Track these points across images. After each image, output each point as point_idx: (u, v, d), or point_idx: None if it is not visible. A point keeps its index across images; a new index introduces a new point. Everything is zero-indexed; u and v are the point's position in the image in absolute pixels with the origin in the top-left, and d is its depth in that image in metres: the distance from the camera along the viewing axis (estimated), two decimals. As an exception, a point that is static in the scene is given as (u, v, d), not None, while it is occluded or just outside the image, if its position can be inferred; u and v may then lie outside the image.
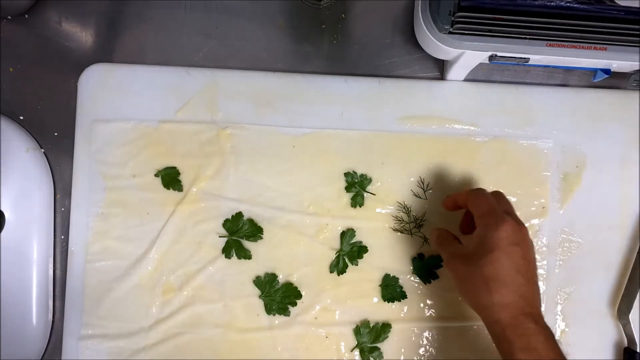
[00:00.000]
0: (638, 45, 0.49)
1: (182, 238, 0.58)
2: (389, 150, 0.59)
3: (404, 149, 0.59)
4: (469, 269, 0.46)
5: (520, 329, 0.44)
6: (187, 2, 0.60)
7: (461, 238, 0.51)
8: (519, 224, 0.47)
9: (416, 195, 0.59)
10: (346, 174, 0.58)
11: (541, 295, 0.58)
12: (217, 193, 0.58)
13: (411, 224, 0.58)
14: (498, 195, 0.51)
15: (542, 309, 0.59)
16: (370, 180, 0.59)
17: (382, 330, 0.57)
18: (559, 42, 0.49)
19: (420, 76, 0.61)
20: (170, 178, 0.58)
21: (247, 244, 0.58)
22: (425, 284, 0.58)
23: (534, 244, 0.59)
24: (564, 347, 0.59)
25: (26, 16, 0.59)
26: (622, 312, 0.59)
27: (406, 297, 0.58)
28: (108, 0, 0.59)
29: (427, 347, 0.58)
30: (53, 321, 0.58)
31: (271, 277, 0.58)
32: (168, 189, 0.58)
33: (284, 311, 0.57)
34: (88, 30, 0.59)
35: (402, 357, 0.58)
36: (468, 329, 0.58)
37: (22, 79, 0.59)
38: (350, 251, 0.58)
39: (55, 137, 0.59)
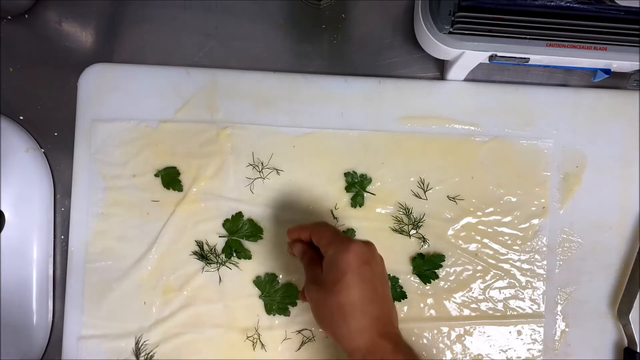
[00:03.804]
0: (638, 45, 0.49)
1: (182, 238, 0.58)
2: (389, 150, 0.59)
3: (404, 149, 0.59)
4: (325, 295, 0.44)
5: (378, 353, 0.42)
6: (187, 2, 0.60)
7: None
8: (365, 243, 0.46)
9: (416, 196, 0.59)
10: (346, 174, 0.58)
11: (541, 295, 0.59)
12: (217, 193, 0.58)
13: (410, 226, 0.58)
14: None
15: (542, 309, 0.59)
16: (370, 180, 0.59)
17: (382, 330, 0.57)
18: (559, 42, 0.49)
19: (420, 76, 0.61)
20: (170, 178, 0.58)
21: (247, 244, 0.58)
22: (425, 284, 0.58)
23: (534, 244, 0.59)
24: (564, 347, 0.59)
25: (26, 16, 0.59)
26: (622, 312, 0.59)
27: (406, 297, 0.58)
28: (108, 0, 0.59)
29: (427, 347, 0.58)
30: (53, 321, 0.58)
31: (271, 277, 0.58)
32: (168, 189, 0.58)
33: (284, 311, 0.57)
34: (88, 30, 0.59)
35: (402, 357, 0.58)
36: (468, 329, 0.59)
37: (22, 79, 0.59)
38: (350, 251, 0.58)
39: (55, 137, 0.59)
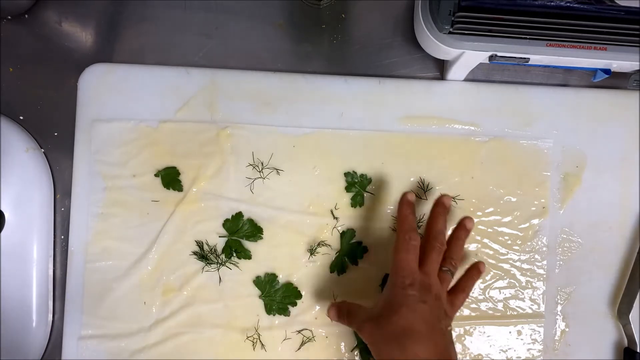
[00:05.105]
0: (638, 45, 0.49)
1: (182, 238, 0.58)
2: (389, 150, 0.59)
3: (404, 149, 0.59)
4: (381, 327, 0.46)
5: None
6: (187, 2, 0.60)
7: (363, 301, 0.53)
8: (428, 281, 0.48)
9: (416, 195, 0.59)
10: (346, 174, 0.58)
11: (541, 295, 0.59)
12: (217, 193, 0.58)
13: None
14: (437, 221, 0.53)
15: (542, 309, 0.59)
16: (370, 180, 0.59)
17: (382, 330, 0.57)
18: (559, 42, 0.49)
19: (420, 76, 0.61)
20: (170, 178, 0.58)
21: (247, 244, 0.58)
22: (425, 284, 0.58)
23: (534, 244, 0.59)
24: (564, 347, 0.59)
25: (26, 16, 0.59)
26: (622, 312, 0.59)
27: (406, 297, 0.58)
28: (108, 0, 0.59)
29: (427, 347, 0.58)
30: (53, 321, 0.58)
31: (271, 277, 0.58)
32: (168, 189, 0.58)
33: (284, 311, 0.57)
34: (88, 30, 0.59)
35: (402, 357, 0.58)
36: (468, 329, 0.59)
37: (22, 79, 0.59)
38: (350, 251, 0.58)
39: (55, 137, 0.59)
